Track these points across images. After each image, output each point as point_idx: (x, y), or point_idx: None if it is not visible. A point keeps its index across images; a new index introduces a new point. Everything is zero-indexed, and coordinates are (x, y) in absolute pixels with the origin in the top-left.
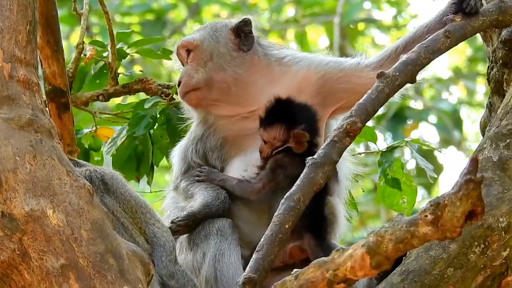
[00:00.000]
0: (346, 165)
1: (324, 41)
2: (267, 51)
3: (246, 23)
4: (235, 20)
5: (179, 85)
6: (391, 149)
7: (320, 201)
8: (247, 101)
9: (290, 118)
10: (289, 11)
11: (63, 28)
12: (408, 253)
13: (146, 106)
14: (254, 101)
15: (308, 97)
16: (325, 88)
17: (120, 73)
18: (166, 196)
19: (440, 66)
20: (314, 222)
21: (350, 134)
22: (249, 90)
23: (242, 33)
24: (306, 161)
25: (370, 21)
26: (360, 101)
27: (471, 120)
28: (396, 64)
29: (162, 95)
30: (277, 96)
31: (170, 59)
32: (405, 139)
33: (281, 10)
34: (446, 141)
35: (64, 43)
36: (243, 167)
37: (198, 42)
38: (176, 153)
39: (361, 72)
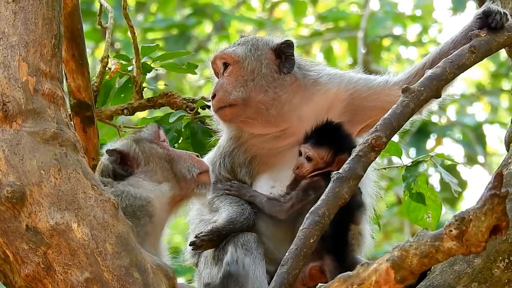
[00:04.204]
0: (370, 182)
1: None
2: (306, 72)
3: (288, 45)
4: (277, 39)
5: (213, 97)
6: (415, 164)
7: (344, 226)
8: (280, 120)
9: (339, 144)
10: (313, 24)
11: (87, 43)
12: (432, 267)
13: (171, 120)
14: (286, 120)
15: (337, 114)
16: (354, 105)
17: (144, 87)
18: (191, 209)
19: (464, 82)
20: (336, 245)
21: (375, 148)
22: (284, 110)
23: (283, 54)
24: (332, 176)
25: (394, 37)
26: (385, 116)
27: (498, 138)
28: (421, 79)
29: (187, 109)
30: (329, 119)
31: (195, 73)
32: (429, 153)
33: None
34: (470, 158)
35: (88, 58)
36: (270, 183)
37: (239, 58)
38: None
39: (389, 90)
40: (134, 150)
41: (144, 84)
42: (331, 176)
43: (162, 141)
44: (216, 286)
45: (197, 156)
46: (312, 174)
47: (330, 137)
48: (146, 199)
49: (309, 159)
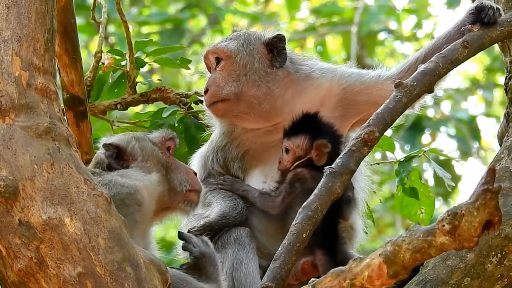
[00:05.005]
0: (363, 177)
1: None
2: (298, 67)
3: (280, 39)
4: (269, 34)
5: (205, 92)
6: (409, 159)
7: (334, 220)
8: (272, 115)
9: (314, 130)
10: (308, 19)
11: (81, 37)
12: (425, 262)
13: (164, 115)
14: (279, 114)
15: (330, 109)
16: (346, 100)
17: (138, 82)
18: None
19: (458, 76)
20: (327, 239)
21: (368, 143)
22: (276, 104)
23: (275, 49)
24: (324, 171)
25: (388, 31)
26: (378, 110)
27: (492, 134)
28: (414, 74)
29: (180, 104)
30: (305, 111)
31: (189, 68)
32: (423, 148)
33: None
34: (464, 153)
35: (82, 52)
36: (262, 178)
37: (231, 53)
38: (196, 160)
39: (381, 85)
40: (133, 146)
41: (138, 79)
42: (323, 171)
43: (167, 149)
44: (191, 266)
45: (195, 174)
46: (295, 165)
47: (304, 125)
48: (133, 187)
49: (287, 150)
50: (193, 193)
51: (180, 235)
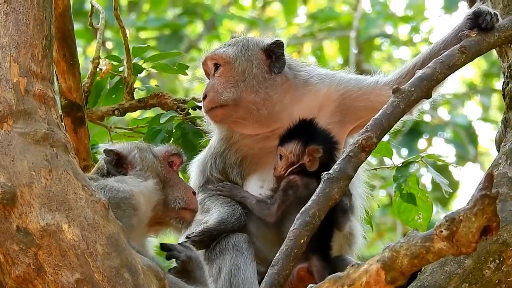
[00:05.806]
0: (361, 183)
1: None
2: (296, 72)
3: (278, 45)
4: (267, 39)
5: (204, 98)
6: (406, 164)
7: (329, 226)
8: (271, 121)
9: (307, 135)
10: (305, 23)
11: (78, 43)
12: (423, 268)
13: (162, 120)
14: (277, 120)
15: (328, 114)
16: (344, 106)
17: (136, 88)
18: None
19: (456, 81)
20: (321, 245)
21: (365, 149)
22: (275, 110)
23: (274, 54)
24: (322, 176)
25: (385, 36)
26: (376, 116)
27: (490, 139)
28: (412, 79)
29: (178, 109)
30: (302, 117)
31: (186, 74)
32: (420, 154)
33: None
34: (461, 158)
35: (80, 58)
36: (259, 183)
37: (230, 58)
38: (195, 166)
39: (379, 90)
40: (134, 155)
41: (136, 85)
42: (321, 176)
43: (170, 164)
44: (178, 271)
45: (194, 193)
46: (288, 171)
47: (297, 131)
48: (129, 192)
49: (281, 157)
50: (187, 212)
51: (163, 246)
